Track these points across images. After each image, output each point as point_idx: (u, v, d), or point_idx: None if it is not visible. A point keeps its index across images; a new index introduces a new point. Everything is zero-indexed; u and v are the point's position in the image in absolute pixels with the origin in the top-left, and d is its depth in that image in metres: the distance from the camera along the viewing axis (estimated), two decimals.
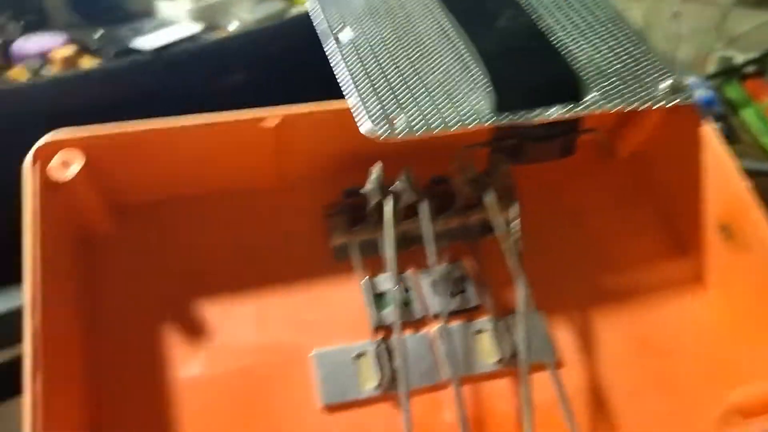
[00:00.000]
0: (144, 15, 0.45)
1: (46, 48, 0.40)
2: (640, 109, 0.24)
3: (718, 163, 0.25)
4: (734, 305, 0.25)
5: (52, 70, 0.39)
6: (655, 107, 0.25)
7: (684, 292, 0.27)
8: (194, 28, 0.43)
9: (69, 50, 0.40)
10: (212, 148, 0.24)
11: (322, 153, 0.26)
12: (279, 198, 0.26)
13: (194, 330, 0.24)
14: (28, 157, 0.21)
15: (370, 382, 0.23)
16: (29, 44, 0.41)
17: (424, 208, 0.23)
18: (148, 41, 0.41)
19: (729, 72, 0.63)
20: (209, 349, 0.23)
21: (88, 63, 0.40)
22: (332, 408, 0.23)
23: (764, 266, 0.24)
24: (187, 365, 0.23)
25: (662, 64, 0.26)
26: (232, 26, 0.45)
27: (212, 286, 0.24)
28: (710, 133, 0.25)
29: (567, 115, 0.24)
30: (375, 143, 0.23)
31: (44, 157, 0.21)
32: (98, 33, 0.42)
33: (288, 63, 0.38)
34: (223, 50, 0.39)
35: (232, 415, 0.22)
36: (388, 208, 0.23)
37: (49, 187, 0.21)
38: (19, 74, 0.39)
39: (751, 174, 0.52)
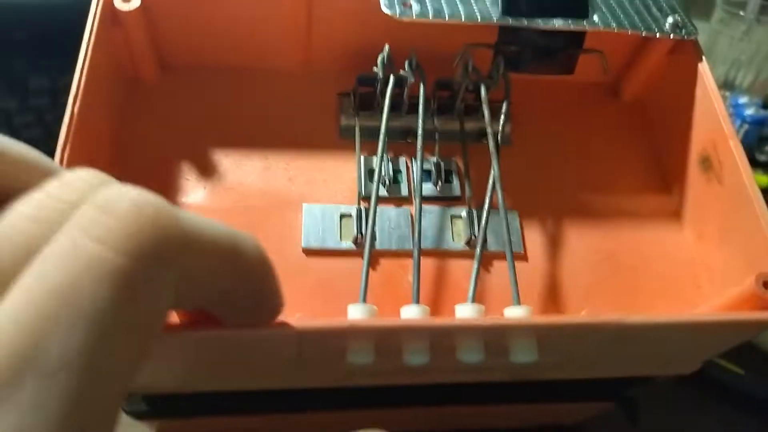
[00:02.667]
0: None
1: None
2: (644, 34, 0.26)
3: (708, 97, 0.26)
4: (703, 237, 0.27)
5: None
6: (659, 36, 0.26)
7: (659, 223, 0.28)
8: None
9: None
10: (251, 13, 0.27)
11: (346, 40, 0.29)
12: (302, 81, 0.30)
13: (206, 172, 0.27)
14: None
15: (349, 238, 0.26)
16: None
17: (423, 89, 0.26)
18: None
19: None
20: (216, 187, 0.26)
21: None
22: (311, 252, 0.25)
23: (733, 197, 0.25)
24: (195, 194, 0.26)
25: (673, 5, 0.28)
26: None
27: (229, 141, 0.28)
28: (705, 70, 0.27)
29: (571, 27, 0.26)
30: (393, 39, 0.26)
31: None
32: None
33: None
34: None
35: None
36: (390, 82, 0.26)
37: (110, 16, 0.25)
38: None
39: None
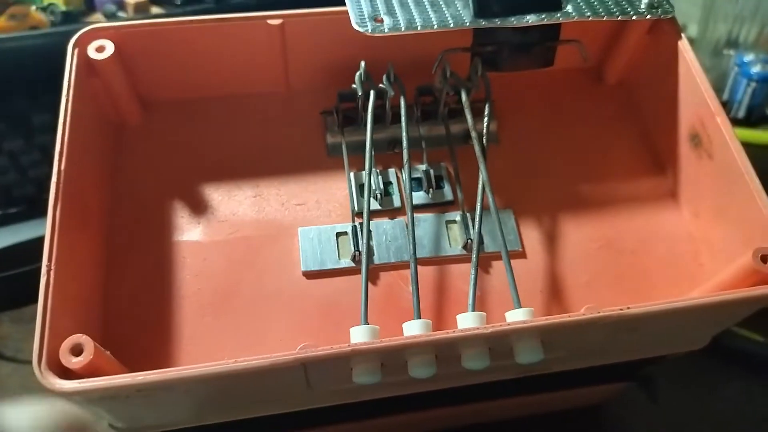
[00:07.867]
0: None
1: None
2: (620, 18, 0.26)
3: (691, 74, 0.26)
4: (699, 215, 0.26)
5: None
6: (634, 18, 0.26)
7: (655, 204, 0.28)
8: None
9: None
10: (225, 46, 0.28)
11: (323, 59, 0.29)
12: (284, 103, 0.30)
13: (199, 207, 0.27)
14: (70, 44, 0.26)
15: (347, 256, 0.26)
16: None
17: (403, 101, 0.26)
18: None
19: None
20: (210, 221, 0.27)
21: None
22: (311, 274, 0.26)
23: (724, 173, 0.25)
24: (190, 232, 0.26)
25: None
26: None
27: (218, 173, 0.28)
28: (685, 47, 0.26)
29: (544, 21, 0.26)
30: (370, 53, 0.26)
31: (82, 44, 0.26)
32: None
33: None
34: None
35: (225, 274, 0.26)
36: (371, 98, 0.26)
37: (85, 67, 0.25)
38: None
39: None
